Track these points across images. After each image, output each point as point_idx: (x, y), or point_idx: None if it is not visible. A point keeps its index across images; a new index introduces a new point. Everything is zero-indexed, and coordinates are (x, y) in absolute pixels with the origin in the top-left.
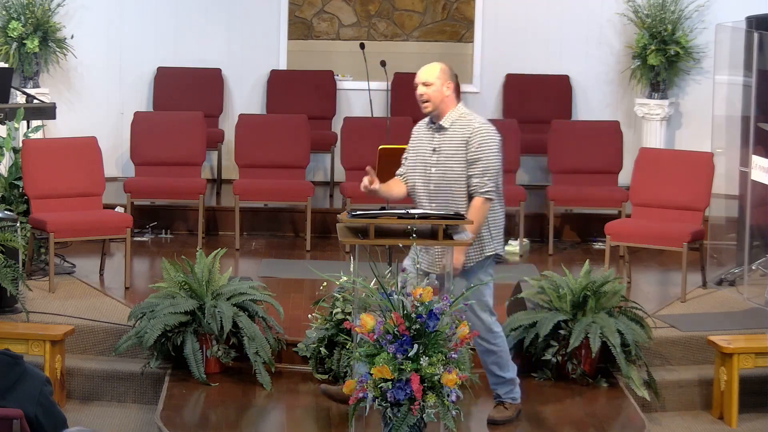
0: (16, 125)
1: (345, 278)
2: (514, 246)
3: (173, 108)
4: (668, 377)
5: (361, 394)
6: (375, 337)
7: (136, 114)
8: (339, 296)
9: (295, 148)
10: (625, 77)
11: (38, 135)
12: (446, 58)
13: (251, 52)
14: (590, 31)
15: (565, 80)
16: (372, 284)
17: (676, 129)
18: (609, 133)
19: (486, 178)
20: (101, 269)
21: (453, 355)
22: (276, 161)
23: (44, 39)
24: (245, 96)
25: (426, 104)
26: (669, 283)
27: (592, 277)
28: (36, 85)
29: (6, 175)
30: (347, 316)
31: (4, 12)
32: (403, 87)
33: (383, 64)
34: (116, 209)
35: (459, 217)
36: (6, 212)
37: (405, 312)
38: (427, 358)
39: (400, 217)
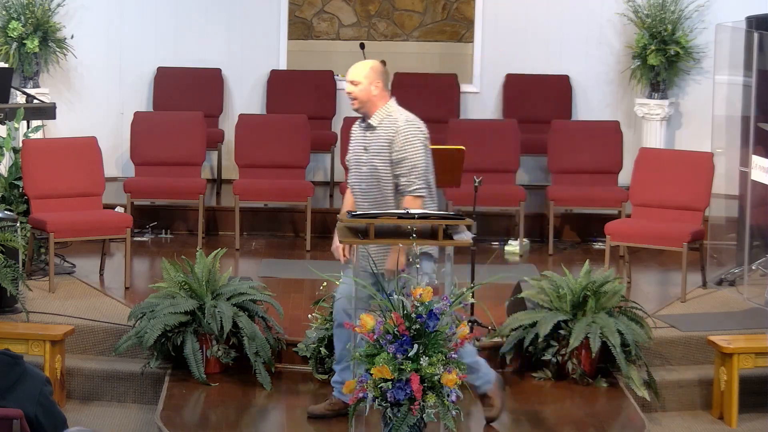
0: (16, 125)
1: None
2: (514, 246)
3: (173, 108)
4: (668, 377)
5: (361, 394)
6: (375, 337)
7: (136, 114)
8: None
9: (295, 148)
10: (625, 77)
11: (38, 135)
12: (446, 58)
13: (251, 52)
14: (590, 31)
15: (565, 80)
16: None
17: (676, 129)
18: (609, 133)
19: (413, 177)
20: (101, 269)
21: (453, 355)
22: (276, 161)
23: (44, 39)
24: (245, 96)
25: (353, 102)
26: (669, 283)
27: (592, 277)
28: (36, 85)
29: (6, 175)
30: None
31: (4, 12)
32: (403, 87)
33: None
34: (116, 209)
35: (459, 217)
36: (6, 212)
37: (405, 312)
38: (427, 358)
39: (400, 217)
